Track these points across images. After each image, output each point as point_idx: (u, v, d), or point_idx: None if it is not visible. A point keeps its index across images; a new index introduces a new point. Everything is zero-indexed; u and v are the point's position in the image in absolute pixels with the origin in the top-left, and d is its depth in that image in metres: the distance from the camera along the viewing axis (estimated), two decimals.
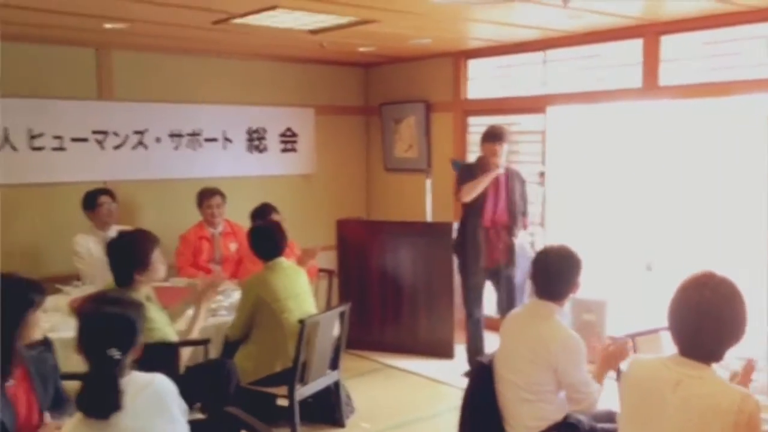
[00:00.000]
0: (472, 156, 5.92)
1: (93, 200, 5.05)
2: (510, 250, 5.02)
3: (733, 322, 2.08)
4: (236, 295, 4.32)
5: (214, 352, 3.90)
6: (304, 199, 6.75)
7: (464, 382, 4.60)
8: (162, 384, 2.23)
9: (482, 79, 6.35)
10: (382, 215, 7.07)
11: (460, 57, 6.34)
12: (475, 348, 5.12)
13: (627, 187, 5.33)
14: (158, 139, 5.96)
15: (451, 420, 3.51)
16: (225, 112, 6.31)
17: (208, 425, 3.01)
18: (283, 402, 4.01)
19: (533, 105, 5.82)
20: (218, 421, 2.91)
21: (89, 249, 4.94)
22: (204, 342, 3.67)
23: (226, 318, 4.15)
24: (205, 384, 3.48)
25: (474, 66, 6.38)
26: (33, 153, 5.40)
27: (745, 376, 2.46)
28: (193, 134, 6.15)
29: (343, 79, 7.10)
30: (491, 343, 5.06)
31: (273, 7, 4.28)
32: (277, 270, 4.06)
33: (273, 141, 6.63)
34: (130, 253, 3.40)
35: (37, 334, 2.61)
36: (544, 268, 2.96)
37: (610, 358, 2.91)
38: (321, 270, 5.05)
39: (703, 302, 2.07)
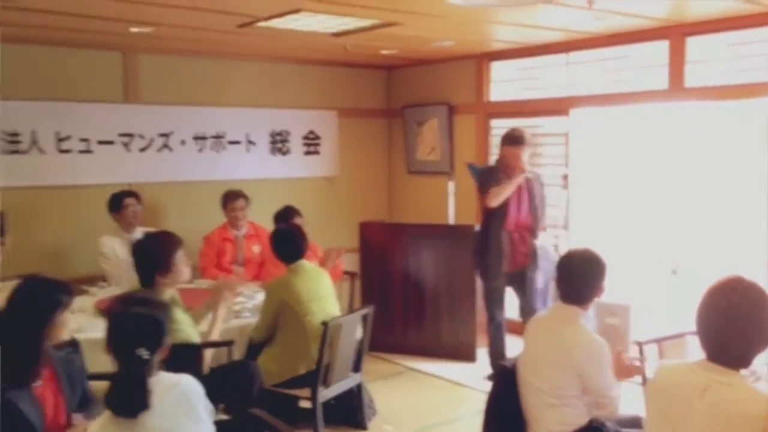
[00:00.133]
0: (495, 159, 5.90)
1: (119, 202, 5.11)
2: (533, 252, 5.00)
3: (762, 327, 2.06)
4: (260, 297, 4.34)
5: (237, 353, 3.92)
6: (327, 202, 6.77)
7: (487, 385, 4.60)
8: (189, 385, 2.26)
9: (505, 82, 6.33)
10: (404, 218, 7.06)
11: (483, 59, 6.32)
12: (497, 351, 5.10)
13: (652, 190, 5.28)
14: (183, 142, 6.02)
15: (474, 424, 3.50)
16: (248, 115, 6.35)
17: (233, 426, 3.03)
18: (305, 404, 4.03)
19: (556, 107, 5.79)
20: (242, 422, 2.94)
21: (115, 250, 5.00)
22: (228, 343, 3.69)
23: (250, 320, 4.18)
24: (228, 385, 3.50)
25: (497, 68, 6.35)
26: (60, 155, 5.47)
27: None
28: (217, 137, 6.20)
29: (365, 82, 7.11)
30: (513, 346, 5.05)
31: (297, 11, 4.30)
32: (299, 272, 4.08)
33: (296, 143, 6.66)
34: (151, 256, 3.42)
35: (64, 335, 2.64)
36: (569, 272, 2.94)
37: (623, 372, 2.90)
38: (344, 272, 5.06)
39: (732, 307, 2.04)
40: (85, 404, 2.67)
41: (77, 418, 2.55)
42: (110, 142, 5.68)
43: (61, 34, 5.09)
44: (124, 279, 4.63)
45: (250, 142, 6.39)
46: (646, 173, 5.31)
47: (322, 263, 4.60)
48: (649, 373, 3.25)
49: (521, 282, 5.04)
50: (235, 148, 6.30)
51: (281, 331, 4.02)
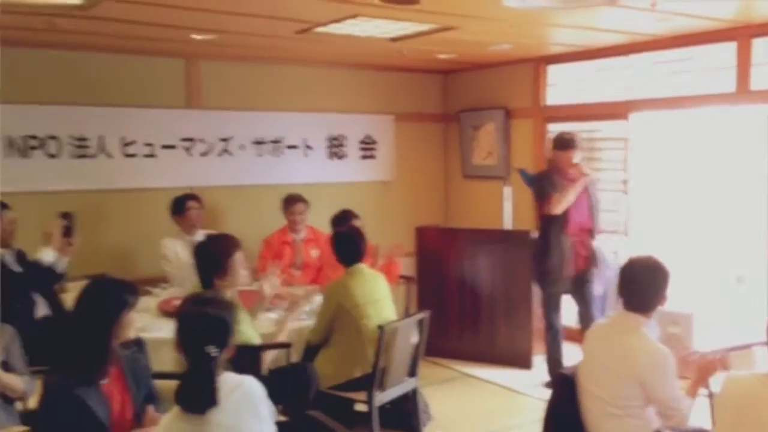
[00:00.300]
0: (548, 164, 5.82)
1: (182, 205, 5.22)
2: (593, 256, 4.93)
3: None
4: (317, 300, 4.38)
5: (295, 355, 3.97)
6: (383, 206, 6.80)
7: (543, 393, 4.56)
8: (252, 385, 2.32)
9: (563, 85, 6.25)
10: (459, 222, 7.04)
11: (541, 63, 6.25)
12: (554, 359, 5.04)
13: (715, 196, 5.13)
14: (242, 146, 6.13)
15: None
16: (306, 120, 6.43)
17: (291, 428, 3.06)
18: (361, 407, 4.05)
19: (616, 111, 5.68)
20: (300, 423, 2.97)
21: (176, 252, 5.11)
22: (286, 345, 3.74)
23: (308, 322, 4.22)
24: (286, 387, 3.54)
25: (554, 72, 6.28)
26: (126, 159, 5.64)
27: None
28: (276, 141, 6.30)
29: (422, 86, 7.12)
30: (570, 353, 4.97)
31: (354, 16, 4.34)
32: (357, 276, 4.10)
33: (352, 148, 6.71)
34: (210, 259, 3.49)
35: (130, 334, 2.72)
36: (631, 280, 2.88)
37: (704, 371, 2.81)
38: (400, 276, 5.06)
39: None
40: (149, 402, 2.73)
41: (150, 410, 2.62)
42: (173, 147, 5.83)
43: (128, 43, 5.26)
44: (185, 281, 4.72)
45: (308, 147, 6.46)
46: (709, 178, 5.17)
47: (372, 261, 4.60)
48: (715, 385, 3.17)
49: (580, 288, 4.97)
50: (293, 153, 6.39)
51: (338, 333, 4.05)
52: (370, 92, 6.80)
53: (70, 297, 4.13)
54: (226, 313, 2.34)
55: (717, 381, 2.75)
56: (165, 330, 3.82)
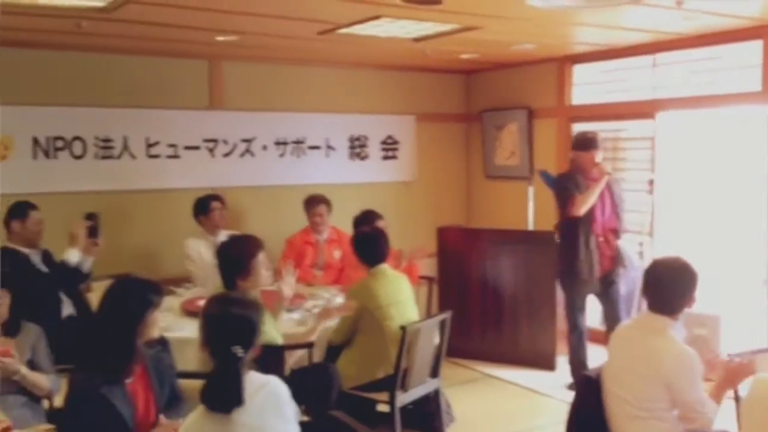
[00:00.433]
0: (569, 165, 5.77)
1: (206, 205, 5.25)
2: (619, 256, 4.89)
3: None
4: (339, 301, 4.38)
5: (317, 356, 3.97)
6: (405, 207, 6.79)
7: (566, 395, 4.52)
8: (277, 386, 2.33)
9: (587, 85, 6.19)
10: (481, 223, 7.01)
11: (565, 62, 6.21)
12: (578, 360, 4.99)
13: (744, 196, 5.05)
14: (264, 147, 6.15)
15: None
16: (328, 121, 6.44)
17: (314, 428, 3.07)
18: (383, 408, 4.04)
19: (642, 110, 5.62)
20: (323, 423, 2.97)
21: (200, 252, 5.14)
22: (308, 345, 3.74)
23: (330, 322, 4.21)
24: (308, 387, 3.55)
25: (579, 71, 6.23)
26: (149, 160, 5.69)
27: None
28: (298, 142, 6.31)
29: (444, 87, 7.10)
30: (594, 355, 4.93)
31: (377, 17, 4.34)
32: (379, 277, 4.09)
33: (374, 148, 6.71)
34: (232, 261, 3.50)
35: (155, 333, 2.74)
36: (658, 281, 2.84)
37: (733, 375, 2.76)
38: (421, 277, 5.05)
39: None
40: (173, 401, 2.75)
41: (162, 418, 2.63)
42: (196, 148, 5.87)
43: (151, 45, 5.30)
44: (208, 281, 4.74)
45: (330, 147, 6.47)
46: (736, 178, 5.09)
47: (396, 263, 4.59)
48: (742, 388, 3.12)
49: (607, 289, 4.92)
50: (315, 153, 6.40)
51: (360, 334, 4.04)
52: (392, 92, 6.79)
53: (95, 297, 4.18)
54: (252, 313, 2.35)
55: (744, 384, 2.70)
56: (188, 329, 3.84)
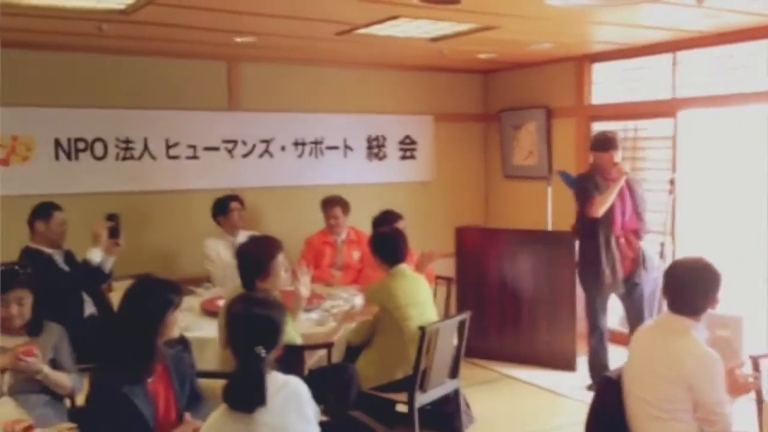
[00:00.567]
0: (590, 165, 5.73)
1: (225, 206, 5.28)
2: (641, 257, 4.85)
3: None
4: (358, 301, 4.38)
5: (336, 356, 3.97)
6: (423, 207, 6.78)
7: (586, 395, 4.49)
8: (298, 386, 2.35)
9: (607, 84, 6.15)
10: (500, 223, 6.98)
11: (584, 61, 6.17)
12: (598, 362, 4.95)
13: (765, 196, 4.99)
14: (283, 148, 6.18)
15: None
16: (346, 121, 6.45)
17: (333, 428, 3.08)
18: (402, 408, 4.03)
19: (663, 109, 5.57)
20: (342, 423, 2.98)
21: (219, 253, 5.17)
22: (327, 346, 3.75)
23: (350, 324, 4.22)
24: (327, 387, 3.55)
25: (598, 70, 6.19)
26: (169, 161, 5.73)
27: None
28: (316, 142, 6.33)
29: (462, 86, 7.08)
30: (614, 356, 4.89)
31: (395, 17, 4.34)
32: (398, 277, 4.09)
33: (392, 149, 6.71)
34: (251, 262, 3.50)
35: (175, 333, 2.76)
36: (680, 282, 2.82)
37: (733, 388, 2.75)
38: (439, 277, 5.04)
39: None
40: (193, 400, 2.77)
41: (187, 416, 2.65)
42: (215, 149, 5.91)
43: (171, 46, 5.34)
44: (228, 281, 4.78)
45: (348, 148, 6.48)
46: (758, 178, 5.03)
47: (418, 268, 4.60)
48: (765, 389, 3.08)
49: (629, 290, 4.88)
50: (333, 154, 6.41)
51: (379, 335, 4.04)
52: (410, 93, 6.79)
53: (116, 296, 4.21)
54: (275, 313, 2.37)
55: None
56: (207, 329, 3.87)
